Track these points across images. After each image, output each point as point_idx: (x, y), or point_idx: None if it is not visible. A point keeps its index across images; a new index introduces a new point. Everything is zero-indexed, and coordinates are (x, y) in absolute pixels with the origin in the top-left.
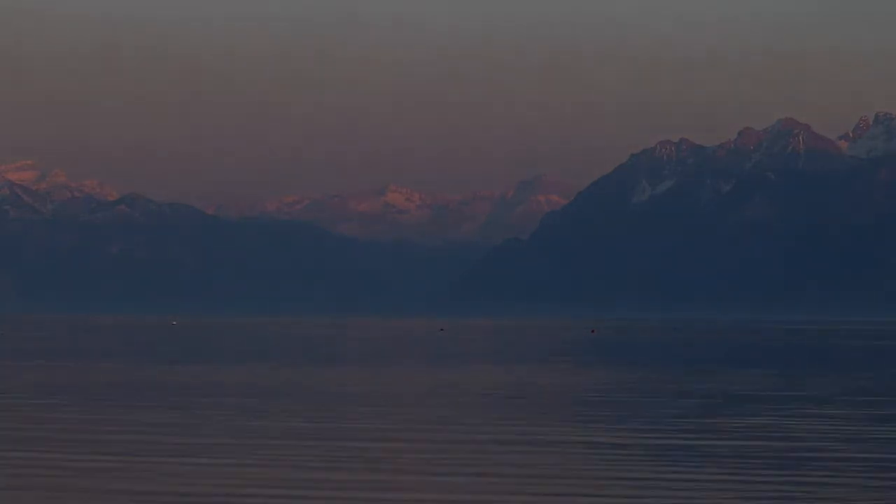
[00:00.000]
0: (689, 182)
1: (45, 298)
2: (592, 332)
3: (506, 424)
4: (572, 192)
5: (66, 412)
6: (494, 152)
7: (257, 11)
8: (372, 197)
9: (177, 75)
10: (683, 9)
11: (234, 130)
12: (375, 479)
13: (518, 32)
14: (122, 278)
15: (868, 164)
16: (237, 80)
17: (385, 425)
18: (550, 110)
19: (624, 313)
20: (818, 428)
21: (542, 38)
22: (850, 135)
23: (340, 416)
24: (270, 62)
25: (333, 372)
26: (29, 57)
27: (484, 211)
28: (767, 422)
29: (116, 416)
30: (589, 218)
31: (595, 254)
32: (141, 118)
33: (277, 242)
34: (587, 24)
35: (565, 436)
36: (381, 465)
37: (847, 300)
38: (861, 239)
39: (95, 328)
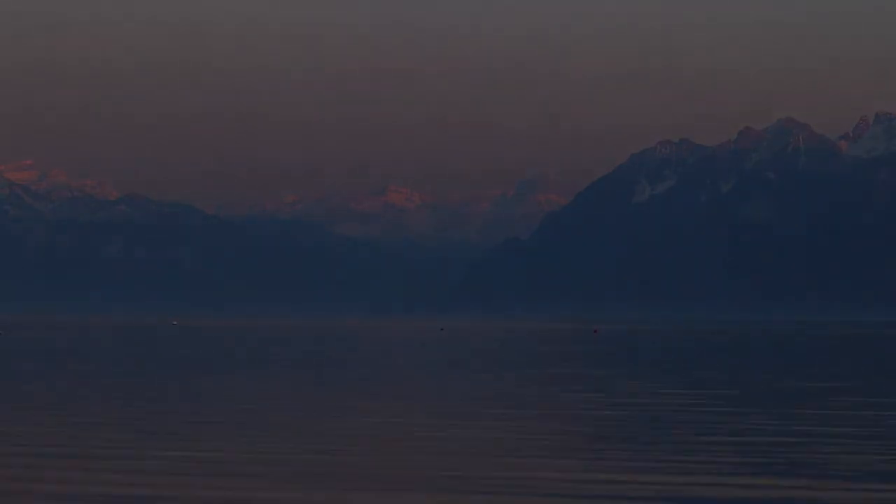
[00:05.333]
0: (689, 182)
1: (45, 299)
2: (595, 332)
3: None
4: (572, 192)
5: None
6: (494, 152)
7: (257, 12)
8: (372, 197)
9: (176, 76)
10: (683, 9)
11: (234, 130)
12: None
13: (518, 32)
14: (122, 278)
15: (868, 164)
16: (237, 80)
17: None
18: (550, 110)
19: (624, 314)
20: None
21: (541, 38)
22: (850, 135)
23: None
24: (271, 62)
25: None
26: (29, 57)
27: (484, 211)
28: None
29: None
30: (589, 218)
31: (595, 254)
32: (141, 118)
33: (277, 242)
34: (587, 24)
35: None
36: None
37: (847, 300)
38: (861, 239)
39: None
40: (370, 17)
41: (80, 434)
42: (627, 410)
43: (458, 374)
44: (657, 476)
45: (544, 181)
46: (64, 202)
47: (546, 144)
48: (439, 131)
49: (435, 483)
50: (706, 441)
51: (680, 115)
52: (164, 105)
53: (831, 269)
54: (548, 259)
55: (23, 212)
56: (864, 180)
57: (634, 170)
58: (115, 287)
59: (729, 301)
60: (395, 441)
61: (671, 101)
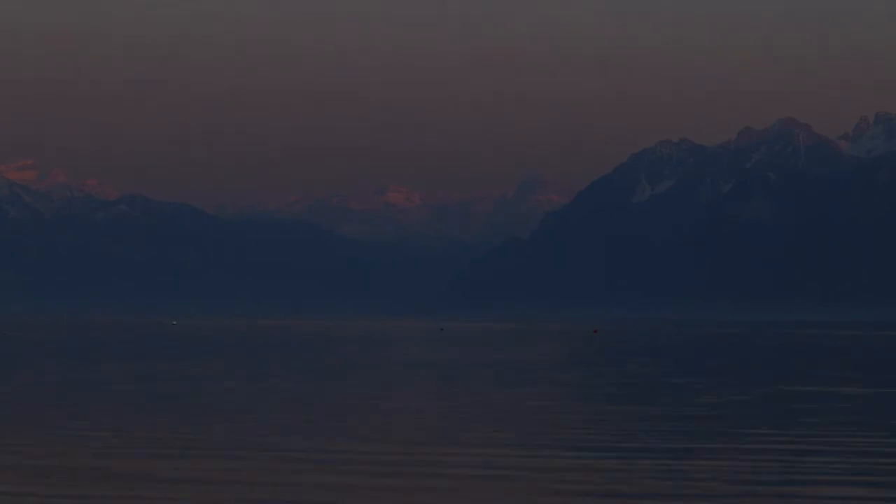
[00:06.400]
0: (689, 182)
1: (45, 299)
2: (595, 332)
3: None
4: (572, 192)
5: None
6: (494, 152)
7: (258, 12)
8: (372, 197)
9: (177, 76)
10: (683, 9)
11: (234, 130)
12: None
13: (518, 32)
14: (122, 278)
15: (868, 164)
16: (237, 80)
17: None
18: (550, 110)
19: (623, 314)
20: None
21: (541, 38)
22: (850, 135)
23: None
24: (271, 62)
25: None
26: (30, 57)
27: (484, 211)
28: None
29: None
30: (589, 218)
31: (595, 254)
32: (141, 118)
33: (278, 242)
34: (587, 24)
35: None
36: None
37: (847, 300)
38: (861, 239)
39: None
40: (371, 17)
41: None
42: None
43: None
44: None
45: (544, 181)
46: (64, 202)
47: (546, 144)
48: (440, 131)
49: None
50: None
51: (680, 115)
52: (164, 105)
53: (831, 269)
54: (548, 259)
55: (23, 212)
56: (864, 180)
57: (634, 170)
58: (115, 287)
59: (729, 301)
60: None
61: (671, 101)
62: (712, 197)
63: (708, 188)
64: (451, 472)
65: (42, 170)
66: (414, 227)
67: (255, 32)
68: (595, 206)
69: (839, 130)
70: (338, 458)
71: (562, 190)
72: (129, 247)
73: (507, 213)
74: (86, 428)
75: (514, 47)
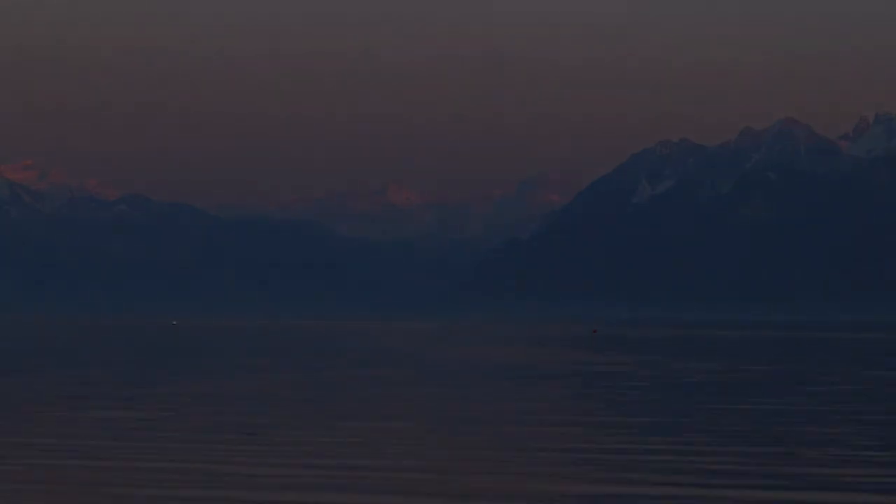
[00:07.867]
0: (689, 182)
1: (45, 298)
2: (594, 332)
3: None
4: (572, 192)
5: None
6: (494, 152)
7: (258, 12)
8: (372, 197)
9: (177, 76)
10: (683, 9)
11: (234, 130)
12: None
13: (518, 32)
14: (122, 278)
15: (868, 164)
16: (237, 80)
17: None
18: (550, 110)
19: (623, 313)
20: None
21: (541, 38)
22: (850, 135)
23: None
24: (271, 62)
25: None
26: (30, 57)
27: (484, 211)
28: None
29: None
30: (589, 218)
31: (595, 253)
32: (142, 118)
33: (278, 242)
34: (587, 25)
35: None
36: None
37: (847, 300)
38: (861, 238)
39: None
40: (370, 16)
41: None
42: None
43: None
44: None
45: (544, 181)
46: (64, 202)
47: (546, 144)
48: (440, 131)
49: None
50: None
51: (680, 115)
52: (164, 105)
53: (831, 269)
54: (548, 259)
55: (23, 212)
56: (864, 180)
57: (634, 170)
58: (115, 287)
59: (728, 300)
60: None
61: (671, 101)
62: (712, 197)
63: (708, 188)
64: None
65: (42, 170)
66: (414, 227)
67: (255, 34)
68: (595, 206)
69: (839, 130)
70: None
71: (562, 190)
72: (129, 247)
73: (507, 213)
74: None
75: (515, 47)
